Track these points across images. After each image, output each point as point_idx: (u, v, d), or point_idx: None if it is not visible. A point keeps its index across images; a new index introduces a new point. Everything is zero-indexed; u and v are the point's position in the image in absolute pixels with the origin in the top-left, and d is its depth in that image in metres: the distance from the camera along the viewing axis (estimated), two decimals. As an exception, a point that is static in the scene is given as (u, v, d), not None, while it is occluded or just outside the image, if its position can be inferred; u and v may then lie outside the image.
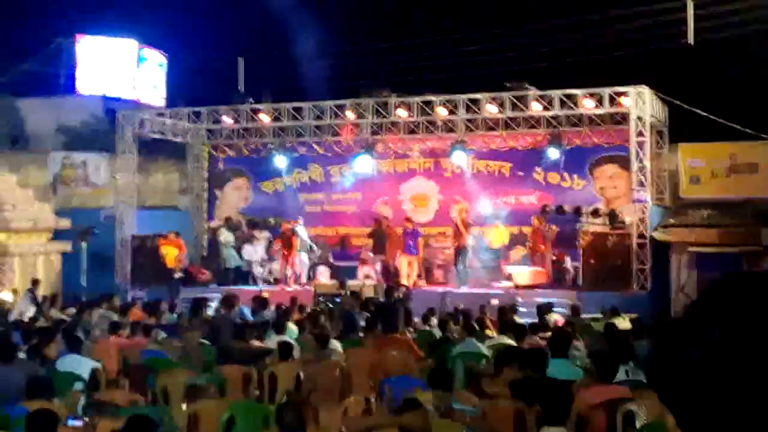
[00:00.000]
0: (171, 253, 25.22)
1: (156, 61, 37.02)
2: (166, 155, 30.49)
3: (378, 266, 24.88)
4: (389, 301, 16.76)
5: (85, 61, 35.29)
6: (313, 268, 25.79)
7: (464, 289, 23.31)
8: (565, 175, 25.99)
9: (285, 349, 11.93)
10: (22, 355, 11.82)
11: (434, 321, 17.25)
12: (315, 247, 26.25)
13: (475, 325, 14.94)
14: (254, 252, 25.90)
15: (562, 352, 10.36)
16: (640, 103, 23.10)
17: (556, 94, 23.72)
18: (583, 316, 17.97)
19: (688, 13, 27.69)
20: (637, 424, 8.06)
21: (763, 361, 1.25)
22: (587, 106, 23.58)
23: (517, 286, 23.16)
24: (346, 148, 28.11)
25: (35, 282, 22.13)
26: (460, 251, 24.49)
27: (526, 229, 25.05)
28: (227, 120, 26.73)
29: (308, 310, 18.88)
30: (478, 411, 8.25)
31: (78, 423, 8.57)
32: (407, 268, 24.50)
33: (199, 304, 17.93)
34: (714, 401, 1.28)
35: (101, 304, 18.52)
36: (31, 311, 19.29)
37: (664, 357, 1.38)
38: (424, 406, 7.15)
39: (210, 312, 18.23)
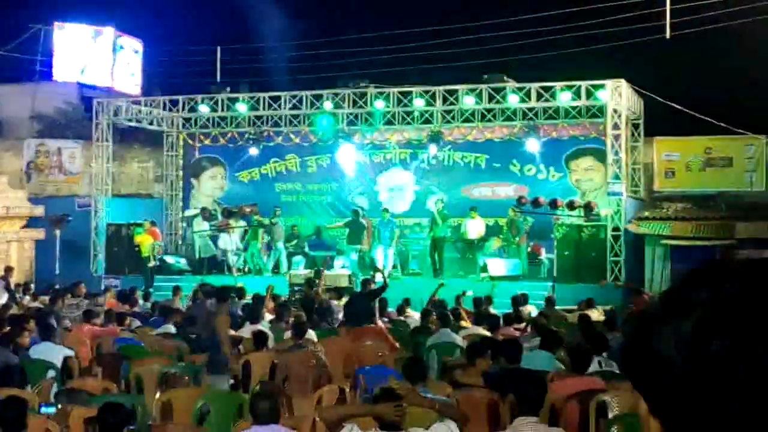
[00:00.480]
0: (146, 242, 25.14)
1: (132, 49, 36.79)
2: (142, 143, 30.38)
3: (354, 256, 24.88)
4: (365, 292, 16.73)
5: (62, 48, 35.04)
6: (288, 257, 25.75)
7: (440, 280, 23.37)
8: (542, 167, 26.08)
9: (260, 338, 11.92)
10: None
11: (409, 311, 17.29)
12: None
13: (450, 316, 14.96)
14: (229, 241, 25.84)
15: (551, 347, 10.40)
16: (617, 97, 23.19)
17: (533, 86, 23.77)
18: (558, 307, 18.03)
19: (665, 7, 27.79)
20: (610, 415, 8.10)
21: (738, 347, 1.26)
22: (564, 98, 23.65)
23: (492, 278, 23.21)
24: (322, 138, 28.08)
25: (8, 269, 22.01)
26: (436, 242, 24.56)
27: (502, 221, 25.10)
28: (204, 109, 26.64)
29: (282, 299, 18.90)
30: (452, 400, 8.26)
31: (51, 410, 8.53)
32: (383, 259, 24.56)
33: (227, 291, 17.95)
34: (689, 388, 1.28)
35: (65, 294, 18.49)
36: (3, 298, 19.19)
37: (638, 343, 1.38)
38: (400, 394, 7.15)
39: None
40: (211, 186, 29.59)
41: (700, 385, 1.27)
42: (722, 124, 24.30)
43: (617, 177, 23.08)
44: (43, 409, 8.50)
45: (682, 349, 1.30)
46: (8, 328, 12.57)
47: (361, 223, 25.05)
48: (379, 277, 18.67)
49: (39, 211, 25.68)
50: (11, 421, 6.80)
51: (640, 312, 1.41)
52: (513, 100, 24.05)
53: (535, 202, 23.92)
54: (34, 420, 7.52)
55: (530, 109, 25.30)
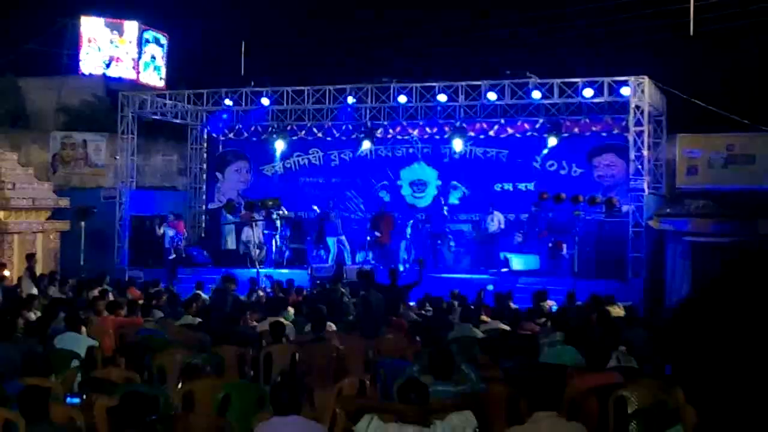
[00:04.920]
0: (169, 234, 25.30)
1: (157, 43, 37.01)
2: (166, 136, 30.57)
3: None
4: (393, 285, 16.81)
5: (88, 41, 35.28)
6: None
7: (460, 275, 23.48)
8: (563, 162, 26.06)
9: (277, 329, 12.00)
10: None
11: (429, 306, 17.36)
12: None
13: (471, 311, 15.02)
14: (252, 234, 25.94)
15: (575, 342, 10.45)
16: (639, 93, 23.13)
17: (555, 82, 23.75)
18: (579, 303, 18.03)
19: (689, 3, 27.71)
20: (629, 410, 8.15)
21: None
22: (586, 94, 23.59)
23: (513, 273, 23.24)
24: (345, 132, 28.16)
25: (30, 257, 22.17)
26: (438, 237, 24.71)
27: (524, 216, 25.12)
28: (228, 102, 26.75)
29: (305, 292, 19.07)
30: (470, 388, 8.34)
31: (76, 401, 8.65)
32: (403, 253, 24.70)
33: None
34: (728, 375, 1.36)
35: (90, 285, 18.71)
36: (32, 289, 19.35)
37: (678, 330, 1.45)
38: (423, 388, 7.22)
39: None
40: (235, 179, 29.72)
41: (735, 370, 1.35)
42: (745, 121, 24.23)
43: (639, 173, 23.06)
44: (69, 400, 8.64)
45: (717, 336, 1.38)
46: (35, 318, 12.74)
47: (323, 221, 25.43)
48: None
49: (64, 202, 25.86)
50: (33, 410, 6.92)
51: (682, 300, 1.48)
52: (535, 96, 24.01)
53: (557, 198, 23.91)
54: (59, 409, 7.64)
55: (553, 105, 25.30)
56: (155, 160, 30.60)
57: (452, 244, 25.29)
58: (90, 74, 34.84)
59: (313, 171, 28.71)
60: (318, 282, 21.97)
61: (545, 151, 25.84)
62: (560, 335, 11.47)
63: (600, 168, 25.88)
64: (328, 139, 28.52)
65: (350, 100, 25.59)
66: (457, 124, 26.16)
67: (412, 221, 25.30)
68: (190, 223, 28.86)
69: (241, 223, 26.46)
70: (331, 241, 25.42)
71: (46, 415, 6.92)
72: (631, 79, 23.11)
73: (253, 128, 29.03)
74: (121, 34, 35.71)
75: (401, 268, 23.52)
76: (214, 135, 29.83)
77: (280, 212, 25.86)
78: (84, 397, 8.70)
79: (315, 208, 26.37)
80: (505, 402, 8.40)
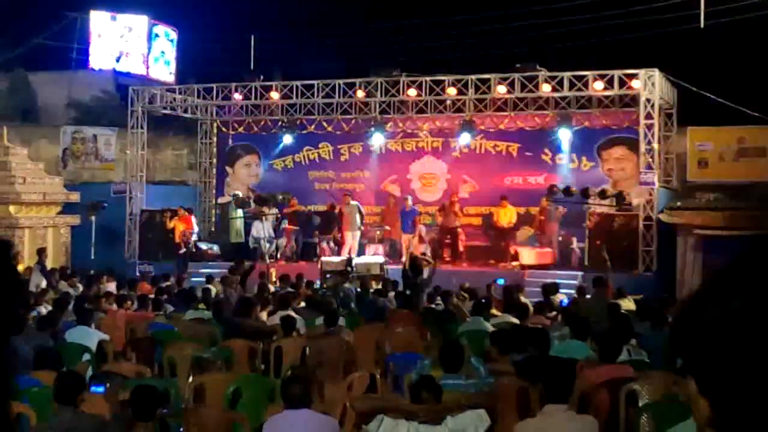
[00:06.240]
0: (180, 229, 25.34)
1: (167, 37, 37.00)
2: (176, 131, 30.60)
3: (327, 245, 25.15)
4: (416, 276, 16.86)
5: (98, 36, 35.30)
6: (319, 244, 25.86)
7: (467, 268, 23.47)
8: (573, 156, 26.01)
9: (288, 323, 12.00)
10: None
11: (439, 300, 17.36)
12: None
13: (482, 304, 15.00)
14: (262, 228, 25.93)
15: (583, 335, 10.43)
16: (650, 86, 23.10)
17: (565, 75, 23.71)
18: (589, 296, 18.00)
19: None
20: (640, 403, 8.13)
21: None
22: (597, 87, 23.57)
23: (523, 266, 23.21)
24: (355, 126, 28.14)
25: (41, 251, 22.20)
26: (449, 231, 24.70)
27: (534, 210, 25.08)
28: (237, 97, 26.78)
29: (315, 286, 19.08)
30: (482, 386, 8.33)
31: (101, 389, 8.64)
32: (412, 247, 24.69)
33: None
34: (736, 363, 1.33)
35: (101, 279, 18.78)
36: (42, 283, 19.40)
37: (688, 320, 1.42)
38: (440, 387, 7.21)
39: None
40: (245, 174, 29.73)
41: (747, 360, 1.32)
42: (756, 114, 24.16)
43: (650, 167, 23.01)
44: (93, 389, 8.64)
45: (730, 326, 1.35)
46: (46, 312, 12.77)
47: (333, 214, 25.37)
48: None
49: (75, 197, 25.92)
50: (67, 394, 6.92)
51: (692, 292, 1.46)
52: (545, 89, 23.99)
53: (567, 191, 23.86)
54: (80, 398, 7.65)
55: (563, 98, 25.26)
56: (165, 155, 30.64)
57: (462, 237, 25.26)
58: (100, 69, 34.85)
59: (323, 165, 28.70)
60: (328, 276, 21.96)
61: (553, 141, 25.87)
62: (568, 329, 11.46)
63: (610, 161, 25.82)
64: (338, 133, 28.50)
65: (360, 93, 25.59)
66: (467, 117, 26.14)
67: (422, 215, 25.26)
68: (201, 218, 28.88)
69: (251, 218, 26.45)
70: (343, 234, 25.41)
71: (74, 402, 6.92)
72: (642, 71, 23.08)
73: (262, 123, 29.05)
74: (130, 29, 35.72)
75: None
76: (224, 129, 29.85)
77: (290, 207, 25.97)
78: (108, 385, 8.71)
79: (331, 202, 26.33)
80: (515, 395, 8.39)
